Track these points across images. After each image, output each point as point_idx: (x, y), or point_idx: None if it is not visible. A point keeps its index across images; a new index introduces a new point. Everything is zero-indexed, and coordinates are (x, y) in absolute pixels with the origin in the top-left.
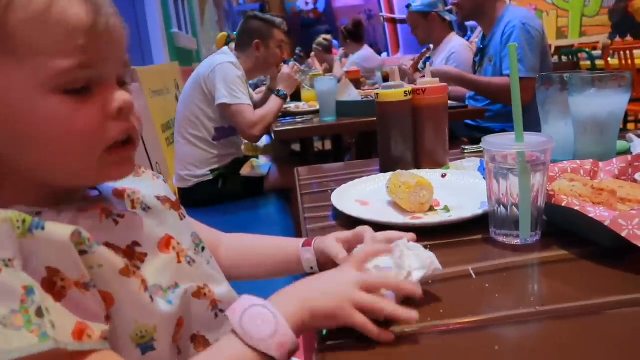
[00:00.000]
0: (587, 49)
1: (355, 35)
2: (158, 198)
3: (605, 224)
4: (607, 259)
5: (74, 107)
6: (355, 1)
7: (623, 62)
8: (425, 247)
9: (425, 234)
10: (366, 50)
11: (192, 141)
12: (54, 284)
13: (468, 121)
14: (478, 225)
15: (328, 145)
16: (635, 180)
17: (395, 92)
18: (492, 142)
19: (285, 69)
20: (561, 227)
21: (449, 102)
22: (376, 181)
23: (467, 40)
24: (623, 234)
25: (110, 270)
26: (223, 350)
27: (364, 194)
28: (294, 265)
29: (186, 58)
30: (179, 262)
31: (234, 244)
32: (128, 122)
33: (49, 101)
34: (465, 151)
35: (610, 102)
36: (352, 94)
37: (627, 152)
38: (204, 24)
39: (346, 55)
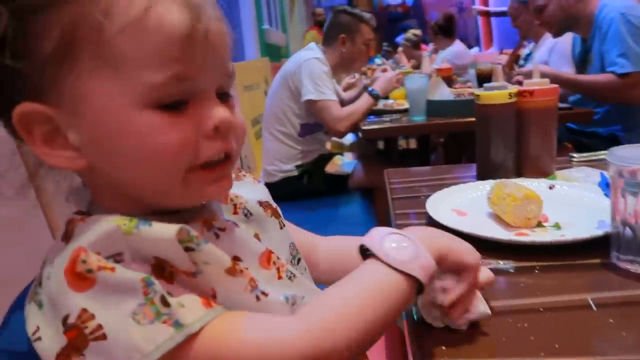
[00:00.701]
0: None
1: (446, 30)
2: (260, 203)
3: None
4: None
5: (168, 123)
6: None
7: None
8: (534, 268)
9: (532, 253)
10: (458, 46)
11: (279, 137)
12: (163, 269)
13: (570, 125)
14: (594, 247)
15: (412, 143)
16: None
17: (499, 93)
18: (622, 156)
19: (389, 73)
20: None
21: None
22: (475, 189)
23: None
24: None
25: (217, 268)
26: (366, 274)
27: (461, 202)
28: None
29: (275, 54)
30: (280, 277)
31: (334, 246)
32: (226, 142)
33: (142, 116)
34: (574, 159)
35: None
36: (444, 93)
37: None
38: (293, 19)
39: (435, 51)
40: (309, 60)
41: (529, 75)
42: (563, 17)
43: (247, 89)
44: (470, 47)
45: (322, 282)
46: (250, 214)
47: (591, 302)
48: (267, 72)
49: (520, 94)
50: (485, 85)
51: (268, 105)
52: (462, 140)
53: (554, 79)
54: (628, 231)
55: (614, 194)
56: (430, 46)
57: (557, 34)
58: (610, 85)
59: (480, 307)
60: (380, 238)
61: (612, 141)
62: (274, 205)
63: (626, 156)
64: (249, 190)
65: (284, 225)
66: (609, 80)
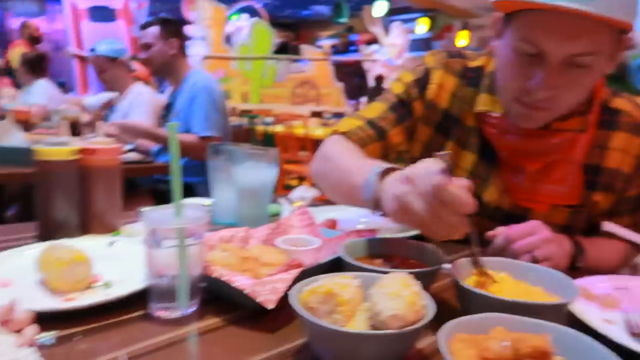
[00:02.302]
0: (263, 115)
1: (35, 66)
2: None
3: (245, 292)
4: (253, 321)
5: None
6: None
7: (287, 129)
8: (78, 334)
9: (80, 317)
10: (44, 86)
11: None
12: None
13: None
14: (139, 301)
15: None
16: (277, 246)
17: (60, 150)
18: (152, 218)
19: None
20: (218, 294)
21: (136, 155)
22: (26, 255)
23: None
24: (258, 300)
25: None
26: None
27: (8, 270)
28: None
29: None
30: None
31: None
32: None
33: None
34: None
35: (262, 174)
36: (17, 138)
37: (279, 214)
38: None
39: (18, 87)
40: None
41: (115, 127)
42: (160, 63)
43: None
44: (66, 90)
45: None
46: None
47: (125, 357)
48: None
49: (83, 151)
50: (48, 140)
51: None
52: None
53: (146, 132)
54: (163, 281)
55: (148, 250)
56: (8, 89)
57: (153, 73)
58: (191, 144)
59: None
60: None
61: (189, 190)
62: None
63: (157, 218)
64: None
65: None
66: (190, 140)
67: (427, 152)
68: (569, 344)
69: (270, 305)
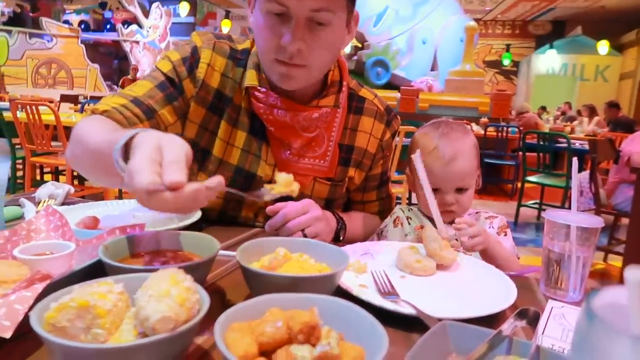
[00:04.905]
0: None
1: None
2: None
3: None
4: None
5: None
6: None
7: (32, 116)
8: None
9: None
10: None
11: None
12: None
13: None
14: None
15: None
16: (15, 257)
17: None
18: None
19: None
20: None
21: None
22: None
23: None
24: None
25: None
26: None
27: None
28: None
29: None
30: None
31: None
32: None
33: None
34: None
35: None
36: None
37: (22, 217)
38: None
39: None
40: None
41: None
42: None
43: None
44: None
45: None
46: None
47: None
48: None
49: None
50: None
51: None
52: None
53: None
54: None
55: None
56: None
57: None
58: None
59: None
60: None
61: None
62: None
63: None
64: None
65: None
66: None
67: (203, 132)
68: (334, 311)
69: (7, 334)
